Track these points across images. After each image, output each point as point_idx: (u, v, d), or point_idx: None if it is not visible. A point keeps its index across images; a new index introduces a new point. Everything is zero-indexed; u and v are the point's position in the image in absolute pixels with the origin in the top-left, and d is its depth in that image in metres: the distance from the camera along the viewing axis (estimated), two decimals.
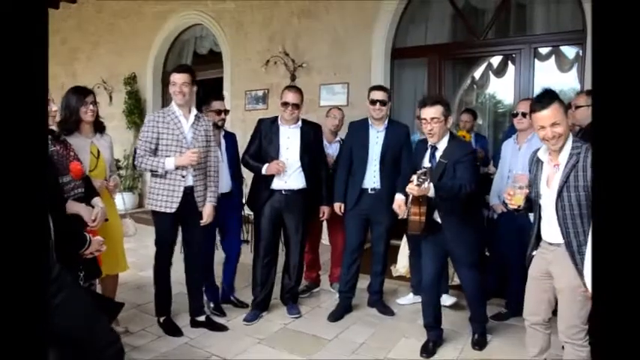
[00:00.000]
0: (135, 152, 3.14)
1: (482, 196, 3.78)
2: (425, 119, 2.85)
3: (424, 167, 2.65)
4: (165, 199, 3.10)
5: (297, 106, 3.48)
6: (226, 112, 3.63)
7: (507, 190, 2.36)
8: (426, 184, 2.56)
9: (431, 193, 2.67)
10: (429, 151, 2.98)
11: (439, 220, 2.94)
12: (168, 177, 3.09)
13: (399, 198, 3.05)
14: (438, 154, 2.92)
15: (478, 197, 3.40)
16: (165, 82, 3.14)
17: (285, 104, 3.45)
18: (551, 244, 2.26)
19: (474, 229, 3.01)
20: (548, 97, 2.17)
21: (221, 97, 3.70)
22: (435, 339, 3.10)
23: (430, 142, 2.93)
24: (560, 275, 2.21)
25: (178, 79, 3.10)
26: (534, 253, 2.39)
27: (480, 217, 3.32)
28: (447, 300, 3.71)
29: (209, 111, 3.57)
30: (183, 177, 3.10)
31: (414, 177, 2.55)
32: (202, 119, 3.25)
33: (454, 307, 3.74)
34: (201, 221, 3.22)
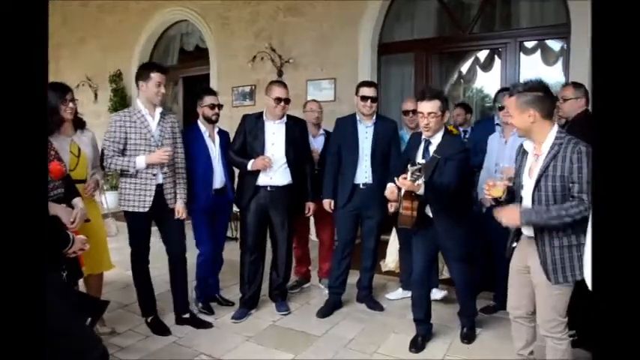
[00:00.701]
0: (102, 154, 3.09)
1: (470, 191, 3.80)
2: (422, 113, 2.84)
3: (419, 163, 2.62)
4: (138, 198, 3.07)
5: (288, 101, 3.48)
6: (220, 106, 3.59)
7: (487, 181, 2.35)
8: (420, 180, 2.55)
9: (421, 191, 2.67)
10: (422, 145, 2.97)
11: (430, 214, 2.94)
12: (138, 176, 3.06)
13: (390, 185, 3.03)
14: (432, 148, 2.90)
15: (469, 192, 3.40)
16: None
17: (278, 100, 3.42)
18: (529, 237, 2.26)
19: (464, 223, 3.01)
20: (517, 86, 2.21)
21: (214, 92, 3.66)
22: (424, 333, 3.11)
23: (424, 136, 2.92)
24: (536, 269, 2.21)
25: (163, 79, 3.09)
26: (514, 244, 2.39)
27: (470, 212, 3.31)
28: (436, 294, 3.72)
29: (202, 106, 3.53)
30: (154, 175, 3.08)
31: (408, 172, 2.53)
32: (168, 116, 3.23)
33: (443, 301, 3.74)
34: (177, 215, 3.21)
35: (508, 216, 2.18)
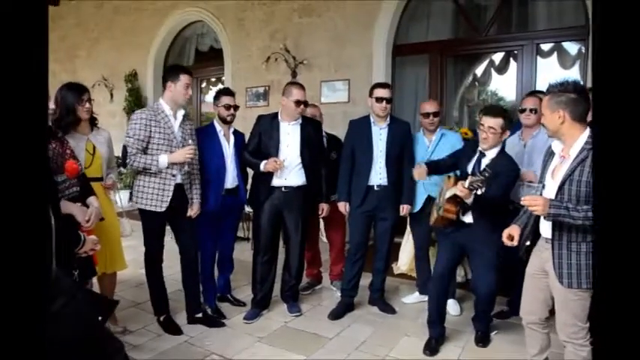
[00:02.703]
0: (124, 150, 3.10)
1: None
2: (483, 125, 2.87)
3: (484, 175, 2.56)
4: (156, 197, 3.08)
5: (307, 104, 3.49)
6: (236, 107, 3.60)
7: (528, 197, 2.14)
8: (479, 191, 2.56)
9: (469, 200, 2.67)
10: (476, 156, 2.95)
11: (466, 220, 2.92)
12: (158, 176, 3.08)
13: (422, 166, 3.10)
14: (485, 161, 2.89)
15: (506, 203, 3.34)
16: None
17: (298, 102, 3.42)
18: (547, 240, 2.23)
19: (500, 230, 2.95)
20: (554, 85, 2.16)
21: (231, 93, 3.66)
22: (437, 336, 3.08)
23: (481, 147, 2.92)
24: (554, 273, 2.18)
25: (191, 81, 3.15)
26: (528, 243, 2.35)
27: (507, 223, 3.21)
28: (454, 307, 3.67)
29: (218, 106, 3.55)
30: (174, 175, 3.10)
31: (469, 179, 2.54)
32: (187, 119, 3.26)
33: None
34: (190, 213, 3.24)
35: (536, 203, 2.06)
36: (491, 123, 2.83)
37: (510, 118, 2.99)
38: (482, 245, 2.93)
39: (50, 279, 1.58)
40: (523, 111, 3.39)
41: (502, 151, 2.93)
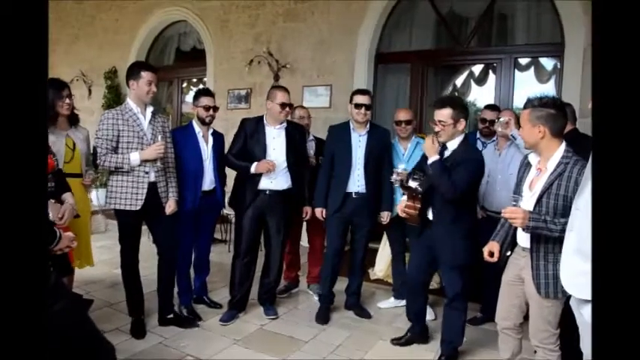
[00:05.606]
0: (94, 151, 3.06)
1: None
2: (434, 119, 2.87)
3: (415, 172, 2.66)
4: (130, 196, 3.05)
5: (292, 106, 3.50)
6: (215, 108, 3.58)
7: (508, 209, 2.17)
8: (412, 184, 2.65)
9: (414, 185, 2.75)
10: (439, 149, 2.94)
11: (429, 216, 2.95)
12: (131, 174, 3.04)
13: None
14: (447, 153, 2.90)
15: (471, 202, 3.38)
16: None
17: (283, 105, 3.42)
18: (524, 249, 2.29)
19: (463, 232, 2.92)
20: (533, 100, 2.23)
21: (211, 93, 3.63)
22: (417, 332, 3.21)
23: (440, 141, 2.91)
24: (531, 281, 2.24)
25: (154, 78, 3.10)
26: (508, 253, 2.42)
27: (472, 224, 3.22)
28: (427, 312, 3.71)
29: (197, 106, 3.53)
30: (146, 173, 3.07)
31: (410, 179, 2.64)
32: (158, 115, 3.24)
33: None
34: (167, 211, 3.21)
35: (517, 216, 2.11)
36: (438, 116, 2.84)
37: (464, 105, 2.95)
38: (445, 247, 2.92)
39: (50, 280, 1.57)
40: (492, 122, 3.48)
41: (464, 142, 2.89)
